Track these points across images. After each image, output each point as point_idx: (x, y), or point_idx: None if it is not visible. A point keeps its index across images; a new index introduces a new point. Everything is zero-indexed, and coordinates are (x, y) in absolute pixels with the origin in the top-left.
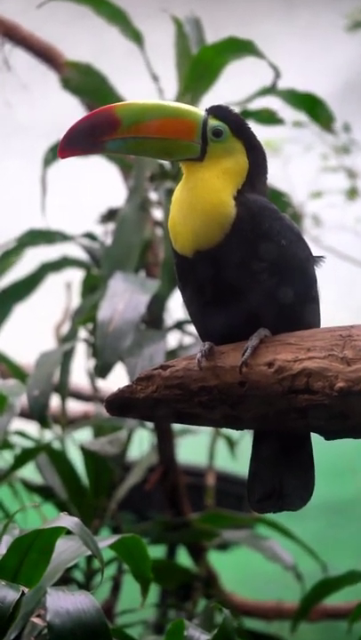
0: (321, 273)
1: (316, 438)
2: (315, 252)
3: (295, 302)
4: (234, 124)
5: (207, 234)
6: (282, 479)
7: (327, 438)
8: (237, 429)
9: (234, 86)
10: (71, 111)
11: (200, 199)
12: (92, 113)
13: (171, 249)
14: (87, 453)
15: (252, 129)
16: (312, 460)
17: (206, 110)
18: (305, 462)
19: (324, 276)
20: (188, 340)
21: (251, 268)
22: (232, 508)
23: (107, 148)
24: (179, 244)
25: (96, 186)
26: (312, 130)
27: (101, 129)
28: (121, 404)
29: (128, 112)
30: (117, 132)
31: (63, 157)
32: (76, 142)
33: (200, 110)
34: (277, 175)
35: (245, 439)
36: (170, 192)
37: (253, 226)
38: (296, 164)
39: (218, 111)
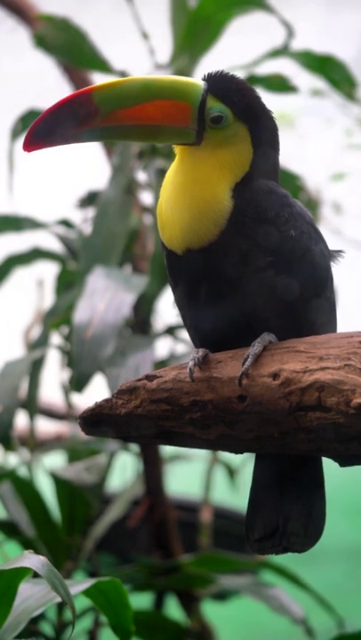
0: (340, 269)
1: (332, 466)
2: (333, 244)
3: (306, 303)
4: (237, 106)
5: (197, 232)
6: (287, 514)
7: (342, 465)
8: (237, 453)
9: (239, 47)
10: (45, 74)
11: (190, 193)
12: (63, 100)
13: (160, 240)
14: (59, 482)
15: (262, 105)
16: (323, 492)
17: (204, 82)
18: (315, 494)
19: (345, 273)
20: (181, 348)
21: (253, 264)
22: (232, 549)
23: (83, 139)
24: (166, 237)
25: (74, 164)
26: (333, 100)
27: (76, 118)
28: (98, 422)
29: (107, 96)
30: (95, 120)
31: (29, 151)
32: (46, 134)
33: (197, 84)
34: (290, 154)
35: (249, 467)
36: (161, 172)
37: (256, 215)
38: (313, 141)
39: (218, 89)
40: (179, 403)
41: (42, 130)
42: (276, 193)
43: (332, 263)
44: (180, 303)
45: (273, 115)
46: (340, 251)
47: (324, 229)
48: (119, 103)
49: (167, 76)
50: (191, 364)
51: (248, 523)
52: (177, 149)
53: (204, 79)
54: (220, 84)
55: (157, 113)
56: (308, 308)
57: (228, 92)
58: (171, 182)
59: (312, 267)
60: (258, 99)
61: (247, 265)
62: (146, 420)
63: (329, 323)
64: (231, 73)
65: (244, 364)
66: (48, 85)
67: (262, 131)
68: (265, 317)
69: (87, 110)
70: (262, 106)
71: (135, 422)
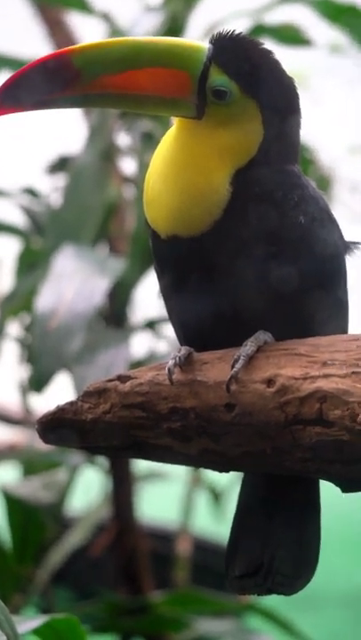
0: (356, 263)
1: (332, 492)
2: (349, 234)
3: (312, 301)
4: (245, 80)
5: (187, 221)
6: (274, 548)
7: (345, 490)
8: (222, 472)
9: None
10: (12, 13)
11: (184, 176)
12: (38, 60)
13: (144, 218)
14: (11, 500)
15: (280, 77)
16: (319, 523)
17: (210, 46)
18: (309, 526)
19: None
20: (163, 346)
21: (252, 254)
22: (213, 587)
23: (62, 105)
24: (151, 216)
25: (43, 122)
26: (356, 57)
27: (52, 83)
28: (60, 429)
29: (89, 60)
30: (75, 87)
31: None
32: (17, 98)
33: (199, 49)
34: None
35: (236, 489)
36: (147, 136)
37: (260, 197)
38: (330, 105)
39: (224, 56)
40: (155, 409)
41: (12, 93)
42: (285, 171)
43: (347, 256)
44: (166, 293)
45: (295, 88)
46: (358, 242)
47: (337, 213)
48: (104, 69)
49: (163, 39)
50: (171, 363)
51: (229, 556)
52: (176, 119)
53: (210, 42)
54: (226, 49)
55: (149, 82)
56: (313, 306)
57: (235, 62)
58: (164, 155)
59: (322, 260)
60: (273, 69)
61: (245, 256)
62: (116, 428)
63: (339, 324)
64: (243, 34)
65: (233, 366)
66: (16, 27)
67: (277, 109)
68: (261, 314)
69: (65, 75)
70: (279, 78)
71: (103, 430)
